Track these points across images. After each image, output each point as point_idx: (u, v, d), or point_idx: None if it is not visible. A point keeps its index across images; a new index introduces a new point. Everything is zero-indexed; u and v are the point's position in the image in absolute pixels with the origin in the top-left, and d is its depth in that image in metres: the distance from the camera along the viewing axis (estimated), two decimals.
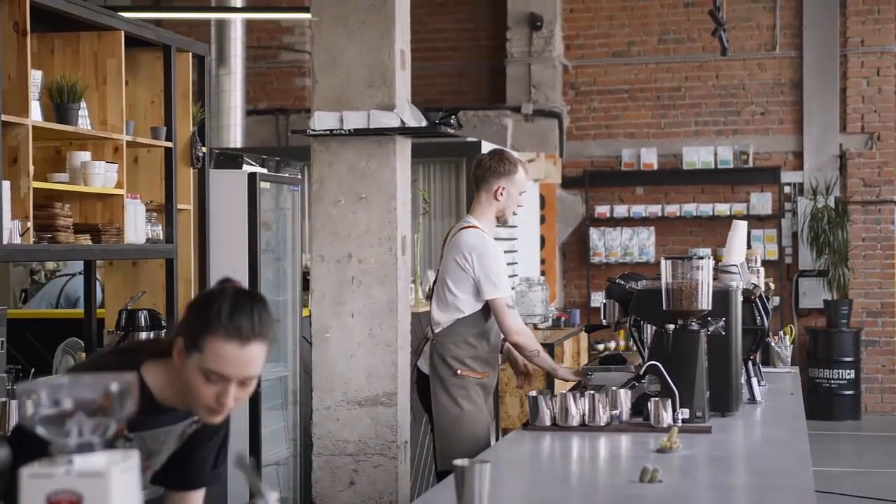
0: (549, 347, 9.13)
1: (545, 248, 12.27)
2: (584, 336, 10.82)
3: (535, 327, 10.22)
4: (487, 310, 5.10)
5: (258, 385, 6.18)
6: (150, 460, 2.74)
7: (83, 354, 5.47)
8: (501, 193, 5.14)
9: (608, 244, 12.78)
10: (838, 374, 12.06)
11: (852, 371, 12.09)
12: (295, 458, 6.82)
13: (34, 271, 9.10)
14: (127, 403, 1.85)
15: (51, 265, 8.87)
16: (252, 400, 6.19)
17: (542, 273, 11.95)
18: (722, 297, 4.57)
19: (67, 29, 5.16)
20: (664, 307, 4.44)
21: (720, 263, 5.30)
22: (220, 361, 2.51)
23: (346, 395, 5.55)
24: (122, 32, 5.18)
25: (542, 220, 12.20)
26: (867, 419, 12.21)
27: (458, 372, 5.08)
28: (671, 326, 4.40)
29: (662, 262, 4.48)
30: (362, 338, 5.53)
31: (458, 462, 2.73)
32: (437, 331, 5.13)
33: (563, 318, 10.59)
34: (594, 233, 12.79)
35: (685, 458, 3.70)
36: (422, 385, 5.25)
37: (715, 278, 5.14)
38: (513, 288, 9.82)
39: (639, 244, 12.72)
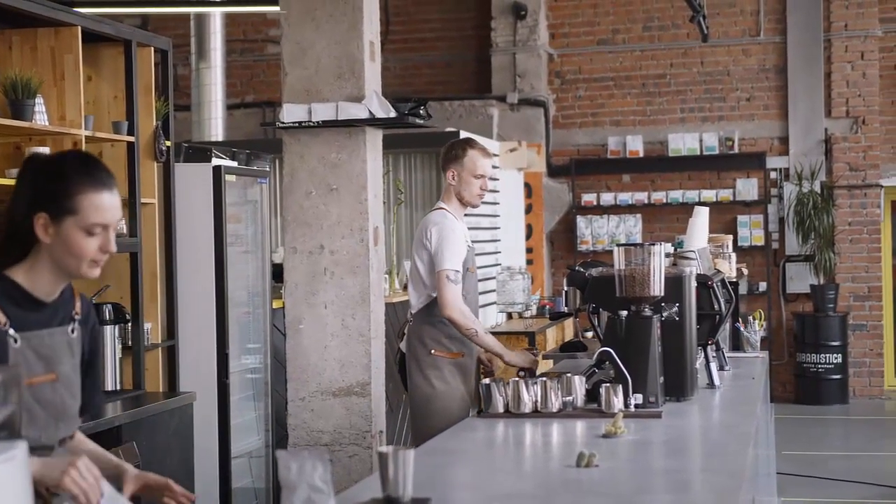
0: (530, 336, 9.16)
1: (532, 236, 12.28)
2: (569, 324, 10.82)
3: (520, 315, 10.24)
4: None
5: (226, 376, 6.23)
6: (53, 370, 2.77)
7: None
8: (454, 177, 5.33)
9: (595, 232, 12.79)
10: (826, 358, 12.07)
11: (840, 355, 12.10)
12: (268, 449, 6.84)
13: None
14: (10, 395, 1.88)
15: None
16: (220, 390, 6.22)
17: (530, 262, 11.97)
18: (675, 283, 4.58)
19: (25, 25, 5.18)
20: (617, 293, 4.46)
21: (678, 250, 5.33)
22: (99, 213, 2.70)
23: (321, 386, 5.58)
24: (79, 28, 5.19)
25: (529, 209, 12.21)
26: (855, 403, 12.23)
27: (432, 351, 5.21)
28: (624, 313, 4.43)
29: (615, 249, 4.51)
30: (335, 328, 5.56)
31: (381, 449, 2.77)
32: (413, 311, 5.27)
33: (547, 307, 10.60)
34: (581, 221, 12.80)
35: (628, 443, 3.72)
36: (403, 365, 5.37)
37: (674, 264, 5.18)
38: (492, 278, 9.85)
39: (626, 231, 12.72)
